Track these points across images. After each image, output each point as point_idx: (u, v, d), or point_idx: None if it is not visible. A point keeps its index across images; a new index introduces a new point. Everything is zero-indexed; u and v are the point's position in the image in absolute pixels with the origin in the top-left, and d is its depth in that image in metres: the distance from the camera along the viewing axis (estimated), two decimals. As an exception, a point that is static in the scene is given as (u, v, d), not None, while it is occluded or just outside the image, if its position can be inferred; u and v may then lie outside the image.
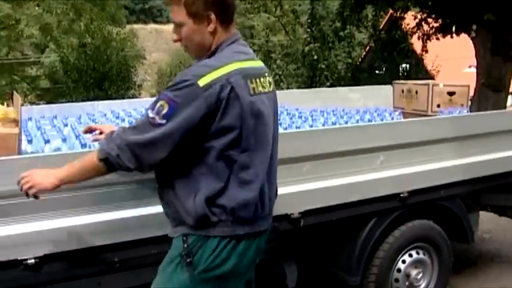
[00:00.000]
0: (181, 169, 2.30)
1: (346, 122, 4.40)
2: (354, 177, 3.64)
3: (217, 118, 2.20)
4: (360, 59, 19.15)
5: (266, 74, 2.48)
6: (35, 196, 2.37)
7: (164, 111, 2.17)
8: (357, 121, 4.52)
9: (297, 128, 4.07)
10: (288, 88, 16.67)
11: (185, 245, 2.33)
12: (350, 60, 17.14)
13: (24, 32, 11.77)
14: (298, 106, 5.11)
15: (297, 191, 3.40)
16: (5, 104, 3.30)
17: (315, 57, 16.75)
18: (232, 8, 2.40)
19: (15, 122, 3.06)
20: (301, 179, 3.42)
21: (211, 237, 2.30)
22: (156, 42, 54.36)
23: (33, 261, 2.69)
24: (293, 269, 3.81)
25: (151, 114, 2.20)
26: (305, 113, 4.78)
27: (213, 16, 2.30)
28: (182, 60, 35.16)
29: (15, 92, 3.82)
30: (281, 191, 3.16)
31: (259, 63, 2.49)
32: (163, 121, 2.17)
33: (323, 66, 16.71)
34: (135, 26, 48.19)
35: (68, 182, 2.35)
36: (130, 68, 24.08)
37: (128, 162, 2.22)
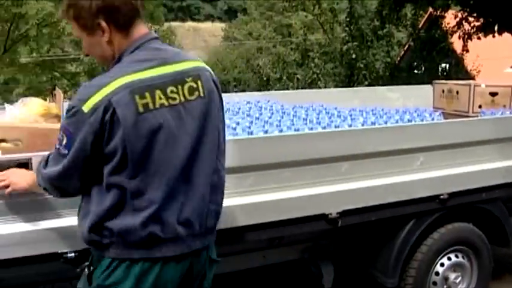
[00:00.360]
0: (85, 190, 2.19)
1: (386, 122, 4.34)
2: (393, 178, 3.59)
3: (104, 143, 2.04)
4: (398, 59, 18.96)
5: (188, 79, 2.19)
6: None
7: (64, 142, 2.08)
8: (396, 121, 4.46)
9: (336, 127, 4.03)
10: (325, 87, 16.61)
11: (91, 256, 2.27)
12: (389, 60, 17.00)
13: (66, 30, 11.97)
14: (337, 105, 5.07)
15: (335, 190, 3.37)
16: (47, 99, 3.35)
17: (353, 56, 16.66)
18: (125, 10, 2.12)
19: (58, 117, 3.11)
20: (339, 179, 3.39)
21: (105, 257, 2.18)
22: (193, 40, 54.71)
23: (72, 255, 2.75)
24: (330, 269, 3.79)
25: (57, 145, 2.13)
26: (344, 112, 4.74)
27: (103, 24, 2.10)
28: (219, 58, 35.39)
29: (57, 88, 3.87)
30: (319, 190, 3.16)
31: (175, 68, 2.18)
32: (66, 151, 2.08)
33: (361, 65, 16.60)
34: (173, 24, 48.57)
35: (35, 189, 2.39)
36: (168, 66, 24.30)
37: (54, 194, 2.27)
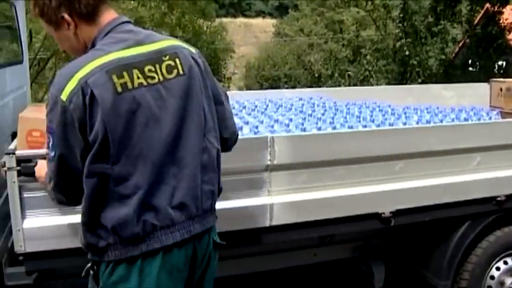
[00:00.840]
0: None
1: (441, 121, 4.27)
2: (448, 178, 3.52)
3: (88, 131, 1.95)
4: (452, 56, 18.58)
5: (165, 58, 2.12)
6: None
7: (50, 143, 2.02)
8: (452, 120, 4.37)
9: (390, 125, 3.98)
10: (377, 84, 16.42)
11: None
12: (443, 57, 16.66)
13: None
14: (390, 103, 5.00)
15: (389, 189, 3.33)
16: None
17: (407, 53, 16.39)
18: (86, 0, 2.07)
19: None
20: (393, 178, 3.34)
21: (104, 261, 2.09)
22: (244, 36, 54.86)
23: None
24: (381, 269, 3.74)
25: (47, 150, 2.08)
26: (398, 110, 4.67)
27: (67, 17, 2.06)
28: (270, 54, 35.41)
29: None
30: (372, 189, 3.12)
31: (151, 47, 2.11)
32: (52, 153, 2.02)
33: (415, 63, 16.32)
34: (225, 20, 48.85)
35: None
36: (220, 61, 24.45)
37: (61, 204, 2.22)
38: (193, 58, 2.21)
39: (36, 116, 2.98)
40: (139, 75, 2.02)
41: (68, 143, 1.98)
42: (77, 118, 1.93)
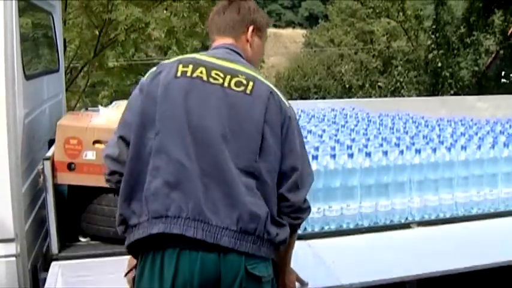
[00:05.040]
0: None
1: (476, 133, 4.20)
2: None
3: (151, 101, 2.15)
4: (485, 67, 18.35)
5: (241, 76, 2.17)
6: None
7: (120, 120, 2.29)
8: (488, 132, 4.30)
9: (424, 137, 3.93)
10: (408, 95, 16.31)
11: None
12: (476, 68, 16.44)
13: (153, 35, 12.30)
14: (423, 114, 4.96)
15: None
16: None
17: (439, 64, 16.23)
18: (212, 27, 2.42)
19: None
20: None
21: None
22: (274, 46, 54.91)
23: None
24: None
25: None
26: (431, 121, 4.64)
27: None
28: (300, 64, 35.38)
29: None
30: None
31: (233, 65, 2.21)
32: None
33: (447, 74, 16.15)
34: (255, 30, 48.89)
35: None
36: (250, 71, 24.55)
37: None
38: (270, 93, 2.19)
39: (74, 124, 3.03)
40: (203, 71, 2.16)
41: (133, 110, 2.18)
42: (147, 93, 2.15)
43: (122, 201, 2.14)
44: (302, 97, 30.18)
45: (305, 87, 32.96)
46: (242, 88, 2.15)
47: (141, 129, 2.11)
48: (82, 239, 3.05)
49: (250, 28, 2.35)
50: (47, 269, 2.87)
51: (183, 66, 2.17)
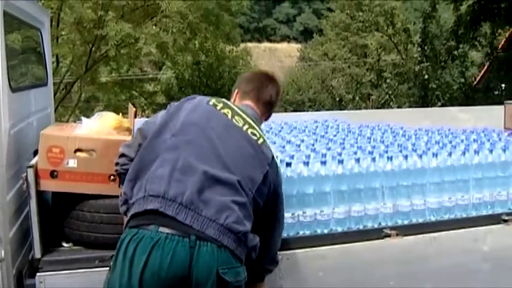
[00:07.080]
0: None
1: (450, 142, 4.30)
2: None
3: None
4: (473, 79, 18.51)
5: (255, 128, 2.67)
6: None
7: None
8: (462, 141, 4.41)
9: (399, 145, 4.02)
10: (398, 107, 16.43)
11: None
12: (463, 80, 16.61)
13: (143, 50, 12.48)
14: (404, 125, 5.06)
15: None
16: (120, 114, 3.57)
17: (426, 76, 16.39)
18: (248, 88, 2.95)
19: (129, 130, 3.31)
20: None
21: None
22: (269, 61, 55.04)
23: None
24: None
25: None
26: (409, 131, 4.74)
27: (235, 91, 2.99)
28: (294, 78, 35.47)
29: (130, 104, 4.12)
30: None
31: (250, 120, 2.69)
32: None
33: (434, 86, 16.31)
34: (249, 45, 49.04)
35: None
36: (242, 85, 24.68)
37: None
38: (273, 156, 2.69)
39: (56, 133, 3.14)
40: (229, 112, 2.65)
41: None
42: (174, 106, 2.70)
43: (128, 180, 2.49)
44: (296, 111, 30.22)
45: (299, 101, 33.03)
46: (255, 138, 2.62)
47: (161, 129, 2.54)
48: (65, 244, 3.13)
49: (272, 111, 3.01)
50: (32, 276, 2.96)
51: (216, 101, 2.67)
